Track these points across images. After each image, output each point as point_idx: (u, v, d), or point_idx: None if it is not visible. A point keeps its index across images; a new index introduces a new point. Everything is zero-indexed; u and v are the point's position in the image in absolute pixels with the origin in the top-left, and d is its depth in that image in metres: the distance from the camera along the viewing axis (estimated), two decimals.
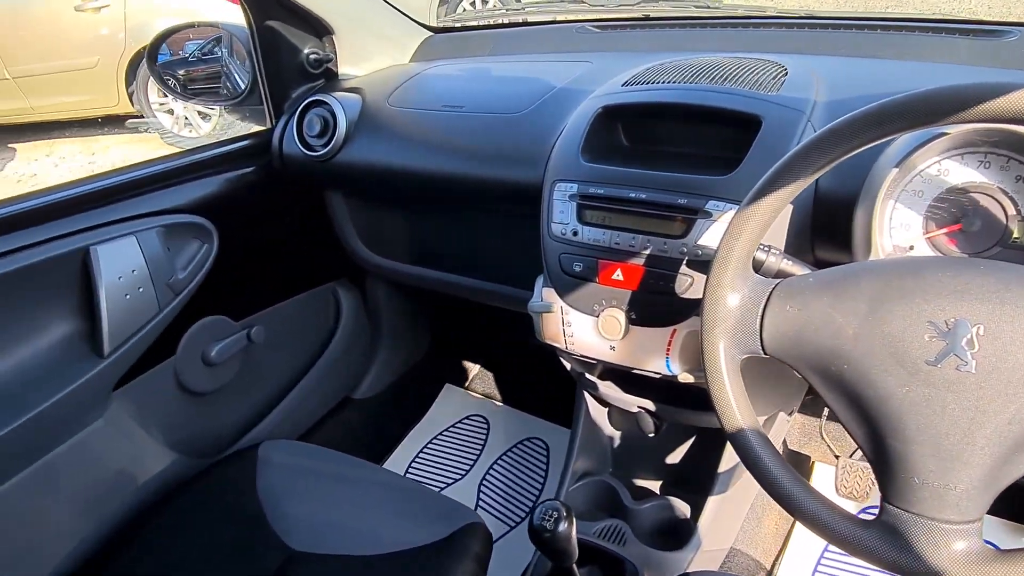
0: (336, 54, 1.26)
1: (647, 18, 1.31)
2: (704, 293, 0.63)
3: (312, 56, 1.24)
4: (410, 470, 1.52)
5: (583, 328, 0.88)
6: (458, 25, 1.41)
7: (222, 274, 1.19)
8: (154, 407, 1.15)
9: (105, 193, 1.06)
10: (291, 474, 1.04)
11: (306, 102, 1.20)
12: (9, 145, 5.26)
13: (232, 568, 0.92)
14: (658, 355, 0.86)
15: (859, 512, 1.17)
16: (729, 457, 1.16)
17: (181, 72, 1.43)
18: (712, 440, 1.19)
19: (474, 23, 1.42)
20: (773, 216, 0.60)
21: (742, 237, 0.61)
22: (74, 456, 1.03)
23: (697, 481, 1.18)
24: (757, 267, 0.65)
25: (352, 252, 1.34)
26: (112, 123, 5.19)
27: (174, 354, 1.16)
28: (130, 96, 4.66)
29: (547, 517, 0.72)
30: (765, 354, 0.61)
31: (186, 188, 1.16)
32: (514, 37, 1.34)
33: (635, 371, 0.91)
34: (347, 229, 1.32)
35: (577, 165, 0.89)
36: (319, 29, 1.23)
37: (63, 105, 4.92)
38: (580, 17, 1.31)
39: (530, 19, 1.42)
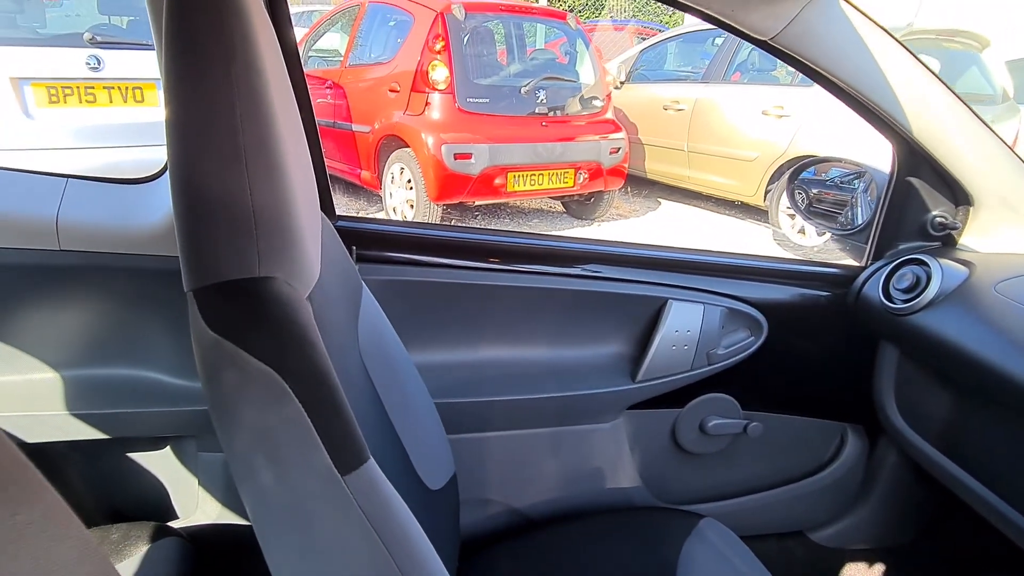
0: (964, 224, 1.23)
1: None
2: None
3: (938, 220, 1.24)
4: None
5: None
6: None
7: (752, 365, 1.31)
8: (645, 439, 1.35)
9: (683, 264, 1.30)
10: (717, 557, 1.10)
11: (907, 256, 1.21)
12: (658, 199, 6.41)
13: None
14: None
15: None
16: None
17: (814, 190, 1.59)
18: None
19: None
20: None
21: None
22: (574, 439, 1.30)
23: None
24: None
25: (880, 410, 1.30)
26: (738, 208, 5.84)
27: (680, 407, 1.33)
28: (766, 193, 5.17)
29: None
30: None
31: (758, 286, 1.31)
32: None
33: None
34: (885, 386, 1.28)
35: None
36: (959, 197, 1.22)
37: (710, 183, 5.77)
38: None
39: None
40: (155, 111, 3.70)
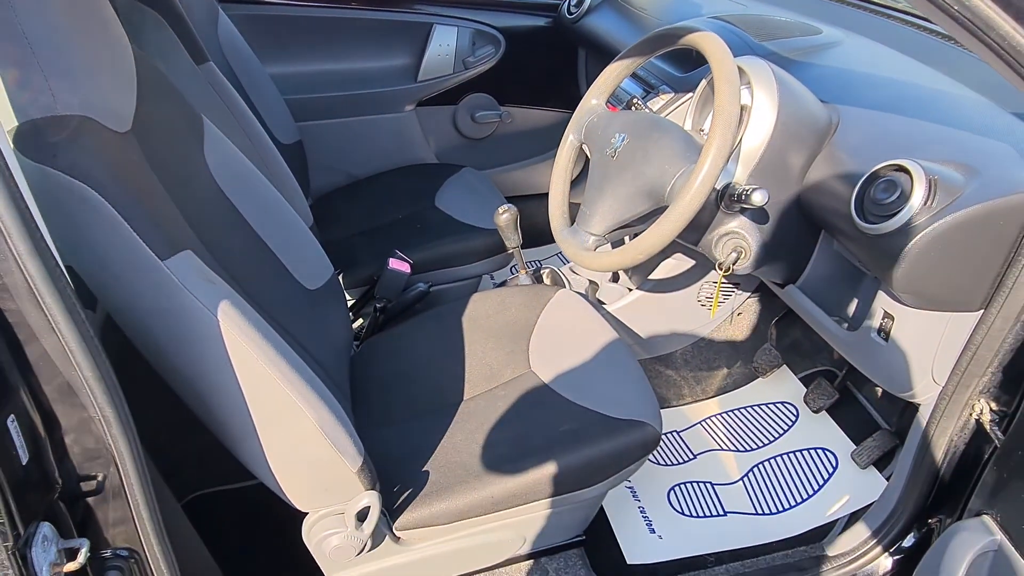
0: None
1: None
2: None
3: None
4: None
5: None
6: None
7: (499, 72, 2.00)
8: (436, 128, 2.05)
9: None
10: (465, 187, 1.81)
11: None
12: None
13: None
14: None
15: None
16: None
17: None
18: None
19: None
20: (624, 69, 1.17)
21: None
22: (383, 123, 1.98)
23: None
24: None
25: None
26: None
27: (456, 104, 2.03)
28: None
29: None
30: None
31: (499, 15, 1.97)
32: None
33: None
34: (581, 77, 2.00)
35: None
36: None
37: None
38: None
39: None
40: None
